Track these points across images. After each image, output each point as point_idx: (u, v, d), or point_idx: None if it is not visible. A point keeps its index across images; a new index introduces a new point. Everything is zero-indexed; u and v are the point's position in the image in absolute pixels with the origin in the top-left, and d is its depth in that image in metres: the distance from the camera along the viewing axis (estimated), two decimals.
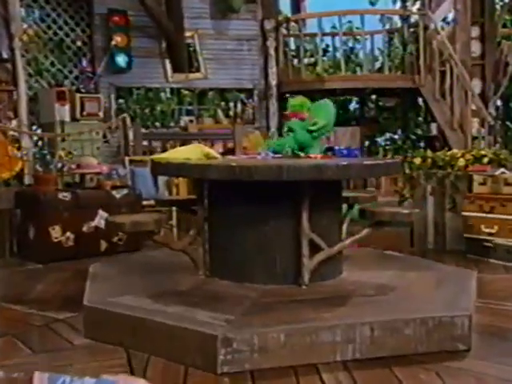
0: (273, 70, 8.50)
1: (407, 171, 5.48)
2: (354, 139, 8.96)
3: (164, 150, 6.98)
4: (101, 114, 7.20)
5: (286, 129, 3.89)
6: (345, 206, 3.81)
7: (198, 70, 8.30)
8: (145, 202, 5.42)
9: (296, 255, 3.09)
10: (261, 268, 3.14)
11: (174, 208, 5.30)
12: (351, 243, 3.27)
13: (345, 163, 2.87)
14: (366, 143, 9.60)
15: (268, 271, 3.13)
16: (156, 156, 3.47)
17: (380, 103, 9.59)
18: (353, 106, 10.21)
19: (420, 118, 9.59)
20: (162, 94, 8.32)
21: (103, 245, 4.98)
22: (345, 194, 3.63)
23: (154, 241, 3.08)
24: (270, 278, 3.12)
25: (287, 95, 8.30)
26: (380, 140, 10.17)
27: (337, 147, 3.96)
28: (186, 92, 8.49)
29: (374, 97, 9.66)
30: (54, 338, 2.82)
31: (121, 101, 8.09)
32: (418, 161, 5.48)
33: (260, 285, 3.10)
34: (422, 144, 9.22)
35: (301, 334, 2.46)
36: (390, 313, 2.65)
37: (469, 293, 2.95)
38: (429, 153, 5.51)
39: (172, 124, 8.28)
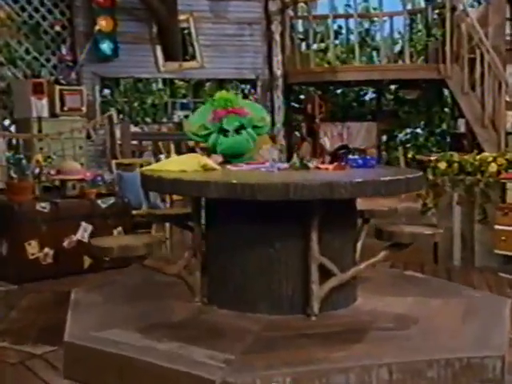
0: (278, 58, 8.51)
1: (430, 177, 5.47)
2: (369, 136, 8.98)
3: (156, 150, 7.05)
4: (84, 109, 7.21)
5: (229, 126, 3.90)
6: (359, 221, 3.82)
7: (193, 58, 8.31)
8: (134, 212, 5.44)
9: (304, 281, 3.10)
10: (264, 296, 3.14)
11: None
12: (367, 267, 3.27)
13: (359, 180, 2.87)
14: (384, 138, 9.62)
15: (272, 299, 3.14)
16: (147, 168, 3.47)
17: (400, 95, 9.58)
18: (368, 96, 10.23)
19: (446, 112, 9.59)
20: (153, 86, 8.37)
21: (87, 261, 4.99)
22: (358, 206, 3.63)
23: (144, 266, 3.10)
24: (275, 308, 3.13)
25: (295, 87, 8.36)
26: (400, 136, 10.20)
27: (351, 155, 3.93)
28: (180, 83, 8.55)
29: (393, 87, 9.65)
30: (29, 378, 2.83)
31: (106, 93, 8.12)
32: (442, 165, 5.47)
33: (263, 315, 3.10)
34: (447, 141, 9.23)
35: (309, 377, 2.47)
36: (411, 352, 2.65)
37: (502, 326, 2.95)
38: (455, 156, 5.51)
39: (165, 119, 8.32)
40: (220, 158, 3.87)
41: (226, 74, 8.45)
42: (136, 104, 8.29)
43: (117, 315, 3.16)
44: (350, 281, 3.24)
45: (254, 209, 3.08)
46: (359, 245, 3.67)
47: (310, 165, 3.56)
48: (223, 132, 3.94)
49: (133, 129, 7.55)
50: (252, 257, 3.15)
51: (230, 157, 3.99)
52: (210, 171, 3.42)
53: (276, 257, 3.11)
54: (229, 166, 3.73)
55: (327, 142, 8.88)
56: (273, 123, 8.73)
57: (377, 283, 3.73)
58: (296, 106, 9.60)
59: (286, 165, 3.72)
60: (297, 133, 9.60)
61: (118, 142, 7.11)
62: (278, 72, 8.54)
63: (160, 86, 8.45)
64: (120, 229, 5.21)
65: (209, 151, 4.11)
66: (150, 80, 8.27)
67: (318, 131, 8.78)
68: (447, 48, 7.87)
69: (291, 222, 3.11)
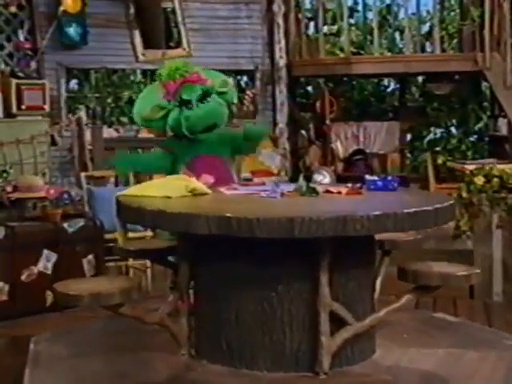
0: (281, 45, 8.57)
1: (465, 194, 5.51)
2: (390, 139, 9.05)
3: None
4: (46, 107, 7.24)
5: (190, 95, 3.95)
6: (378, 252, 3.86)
7: (178, 45, 8.38)
8: (108, 236, 5.47)
9: (312, 332, 3.12)
10: (264, 349, 3.16)
11: None
12: (387, 314, 3.30)
13: (378, 213, 2.90)
14: (408, 137, 9.68)
15: (274, 353, 3.16)
16: (123, 193, 3.50)
17: (429, 89, 9.63)
18: (390, 90, 10.29)
19: (483, 110, 9.64)
20: (131, 78, 8.41)
21: (50, 298, 5.01)
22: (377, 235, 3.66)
23: (120, 314, 3.12)
24: (277, 363, 3.15)
25: (301, 80, 8.42)
26: (428, 137, 10.26)
27: (368, 176, 3.95)
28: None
29: (420, 79, 9.71)
30: None
31: (73, 87, 8.16)
32: (479, 180, 5.50)
33: (263, 372, 3.12)
34: (485, 144, 9.28)
35: None
36: None
37: None
38: (495, 170, 5.54)
39: None
40: (211, 179, 3.91)
41: (217, 63, 8.33)
42: (110, 100, 8.33)
43: (86, 374, 3.17)
44: (367, 331, 3.27)
45: (252, 245, 3.11)
46: (378, 282, 3.71)
47: (320, 189, 3.59)
48: (184, 105, 3.99)
49: (106, 132, 7.55)
50: (250, 302, 3.17)
51: (203, 131, 4.05)
52: (199, 196, 3.46)
53: (278, 302, 3.13)
54: (222, 189, 3.77)
55: (340, 147, 8.95)
56: (274, 123, 8.80)
57: (399, 330, 3.75)
58: (302, 102, 9.65)
59: (290, 187, 3.75)
60: (303, 133, 9.65)
61: (89, 146, 7.11)
62: (281, 62, 8.61)
63: (139, 78, 8.48)
64: (91, 257, 5.25)
65: (169, 138, 4.18)
66: (127, 71, 8.32)
67: (328, 133, 8.85)
68: (486, 32, 7.91)
69: (296, 261, 3.14)
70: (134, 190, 3.62)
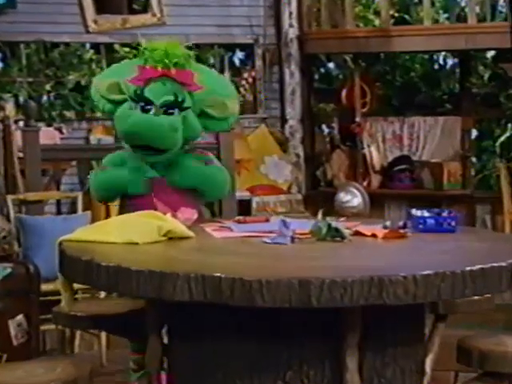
0: (291, 9, 8.59)
1: None
2: (448, 140, 9.04)
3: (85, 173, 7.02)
4: None
5: (155, 96, 4.14)
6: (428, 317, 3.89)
7: (145, 10, 8.41)
8: (45, 287, 5.47)
9: None
10: None
11: None
12: None
13: (429, 272, 2.92)
14: (474, 134, 9.68)
15: None
16: (68, 237, 3.52)
17: (501, 70, 9.66)
18: (447, 71, 10.32)
19: None
20: (78, 55, 8.41)
21: None
22: None
23: None
24: None
25: (319, 58, 8.39)
26: (502, 137, 10.28)
27: (414, 210, 3.98)
28: (125, 50, 8.63)
29: (488, 56, 9.73)
30: None
31: None
32: None
33: None
34: None
35: None
36: None
37: None
38: None
39: (99, 114, 8.37)
40: (195, 214, 3.96)
41: (201, 35, 8.54)
42: (49, 87, 8.34)
43: None
44: None
45: (250, 314, 3.13)
46: (429, 362, 3.73)
47: (347, 231, 3.61)
48: (143, 103, 4.14)
49: (44, 133, 7.50)
50: None
51: (135, 146, 4.22)
52: (177, 242, 3.48)
53: None
54: (209, 229, 3.79)
55: (375, 153, 8.95)
56: (283, 119, 8.82)
57: None
58: (322, 89, 9.67)
59: (304, 226, 3.77)
60: (324, 133, 9.68)
61: (19, 154, 7.08)
62: (291, 32, 8.64)
63: (90, 55, 8.50)
64: (20, 318, 5.26)
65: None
66: (73, 46, 8.33)
67: (359, 133, 8.85)
68: None
69: (313, 337, 3.16)
70: (85, 232, 3.63)
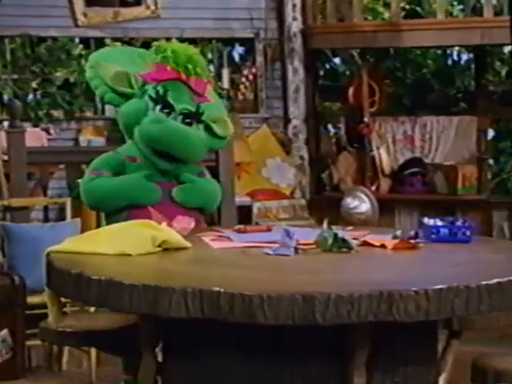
0: (294, 1, 8.59)
1: None
2: (463, 141, 9.04)
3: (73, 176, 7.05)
4: None
5: (179, 102, 4.21)
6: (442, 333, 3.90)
7: (138, 3, 8.42)
8: (31, 299, 5.48)
9: None
10: None
11: None
12: None
13: (442, 287, 2.93)
14: (490, 134, 9.68)
15: None
16: (57, 248, 3.52)
17: None
18: (461, 66, 10.32)
19: None
20: (67, 51, 8.43)
21: None
22: None
23: None
24: None
25: (325, 53, 8.39)
26: None
27: (427, 219, 3.98)
28: (116, 45, 8.65)
29: (506, 51, 9.75)
30: None
31: None
32: None
33: None
34: None
35: None
36: None
37: None
38: None
39: (89, 113, 8.39)
40: (192, 223, 3.96)
41: (199, 29, 8.55)
42: (35, 84, 8.36)
43: None
44: None
45: (251, 330, 3.14)
46: (442, 382, 3.73)
47: (353, 243, 3.62)
48: (162, 105, 4.17)
49: (30, 135, 7.52)
50: None
51: (157, 151, 4.19)
52: (173, 253, 3.48)
53: None
54: (207, 240, 3.80)
55: (385, 155, 8.95)
56: (286, 118, 8.82)
57: None
58: (328, 86, 9.67)
59: (308, 236, 3.77)
60: (330, 134, 9.67)
61: (4, 157, 7.08)
62: (295, 26, 8.65)
63: (79, 50, 8.53)
64: (5, 332, 5.27)
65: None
66: (61, 40, 8.35)
67: (368, 134, 8.85)
68: None
69: (317, 355, 3.17)
70: (74, 242, 3.63)
